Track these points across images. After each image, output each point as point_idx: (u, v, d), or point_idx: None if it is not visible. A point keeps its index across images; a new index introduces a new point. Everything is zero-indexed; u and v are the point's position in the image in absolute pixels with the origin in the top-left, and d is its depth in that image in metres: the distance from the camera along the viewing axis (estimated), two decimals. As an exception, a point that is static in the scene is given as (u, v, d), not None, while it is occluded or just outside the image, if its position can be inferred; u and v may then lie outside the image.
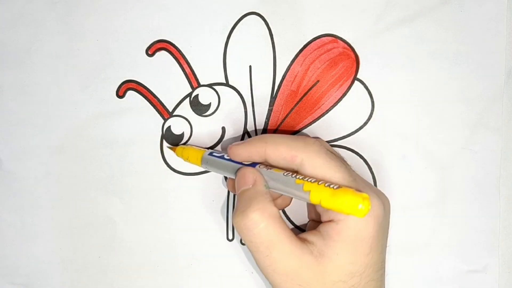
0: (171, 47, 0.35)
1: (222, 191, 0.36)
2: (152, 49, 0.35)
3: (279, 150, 0.28)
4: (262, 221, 0.26)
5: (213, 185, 0.35)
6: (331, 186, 0.25)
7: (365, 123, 0.35)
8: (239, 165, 0.30)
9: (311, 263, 0.26)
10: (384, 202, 0.28)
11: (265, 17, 0.35)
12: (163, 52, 0.35)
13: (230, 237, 0.36)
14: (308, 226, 0.34)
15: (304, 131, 0.35)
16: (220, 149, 0.35)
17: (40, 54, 0.35)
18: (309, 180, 0.26)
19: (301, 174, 0.27)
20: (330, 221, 0.27)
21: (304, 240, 0.27)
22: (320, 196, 0.25)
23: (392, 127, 0.35)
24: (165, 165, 0.35)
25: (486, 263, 0.35)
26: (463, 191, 0.35)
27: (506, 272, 0.35)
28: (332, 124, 0.35)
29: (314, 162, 0.27)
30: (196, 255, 0.36)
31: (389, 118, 0.35)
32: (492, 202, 0.34)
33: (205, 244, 0.36)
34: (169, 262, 0.36)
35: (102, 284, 0.36)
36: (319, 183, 0.25)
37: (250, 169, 0.29)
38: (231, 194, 0.35)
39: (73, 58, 0.35)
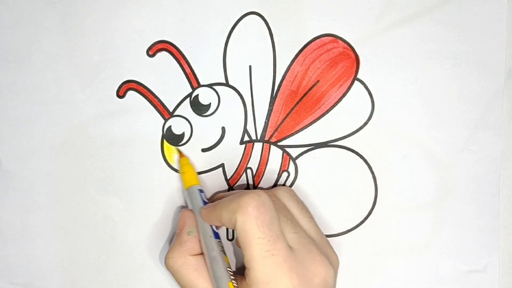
0: (172, 47, 0.35)
1: (222, 190, 0.35)
2: (153, 50, 0.35)
3: (221, 215, 0.29)
4: (175, 268, 0.30)
5: (213, 185, 0.35)
6: None
7: (365, 123, 0.35)
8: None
9: None
10: (332, 260, 0.29)
11: (265, 17, 0.35)
12: (164, 53, 0.35)
13: (230, 237, 0.36)
14: None
15: (304, 131, 0.35)
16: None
17: (40, 54, 0.35)
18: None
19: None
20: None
21: None
22: None
23: (392, 127, 0.35)
24: (165, 165, 0.35)
25: (486, 263, 0.35)
26: (463, 191, 0.35)
27: (506, 272, 0.35)
28: (332, 124, 0.35)
29: (239, 229, 0.28)
30: (196, 255, 0.36)
31: (389, 118, 0.35)
32: (492, 202, 0.34)
33: (205, 244, 0.36)
34: (169, 262, 0.36)
35: (102, 284, 0.36)
36: None
37: (185, 213, 0.32)
38: (231, 194, 0.36)
39: (73, 58, 0.35)
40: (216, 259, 0.29)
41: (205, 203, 0.32)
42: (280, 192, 0.32)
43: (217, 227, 0.31)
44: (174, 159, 0.35)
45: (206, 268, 0.30)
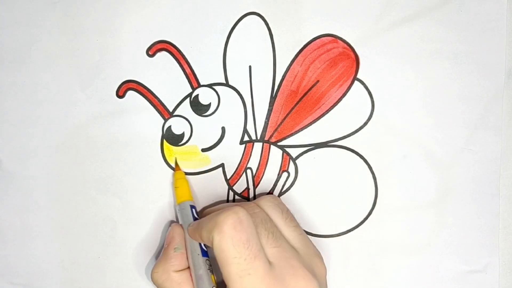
0: (172, 47, 0.35)
1: (222, 191, 0.36)
2: (152, 50, 0.35)
3: (201, 233, 0.29)
4: (158, 282, 0.31)
5: (213, 185, 0.35)
6: None
7: (365, 123, 0.35)
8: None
9: None
10: (318, 267, 0.29)
11: (265, 17, 0.35)
12: (164, 53, 0.35)
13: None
14: None
15: (304, 131, 0.35)
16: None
17: (40, 54, 0.35)
18: None
19: None
20: None
21: None
22: None
23: (392, 127, 0.35)
24: (165, 165, 0.35)
25: (486, 263, 0.35)
26: (463, 191, 0.35)
27: (506, 272, 0.35)
28: (332, 124, 0.35)
29: (215, 248, 0.27)
30: (196, 255, 0.36)
31: (389, 118, 0.35)
32: (492, 202, 0.34)
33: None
34: (169, 262, 0.36)
35: (102, 284, 0.36)
36: None
37: (171, 229, 0.32)
38: (231, 194, 0.36)
39: (73, 58, 0.35)
40: (202, 277, 0.29)
41: (195, 219, 0.32)
42: (263, 202, 0.31)
43: (205, 245, 0.31)
44: (173, 160, 0.35)
45: (190, 283, 0.30)
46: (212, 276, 0.30)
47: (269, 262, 0.27)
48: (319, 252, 0.31)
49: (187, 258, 0.31)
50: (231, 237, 0.27)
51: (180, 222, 0.33)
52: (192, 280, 0.30)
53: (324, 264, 0.30)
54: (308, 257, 0.29)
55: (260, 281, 0.26)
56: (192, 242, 0.31)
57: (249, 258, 0.27)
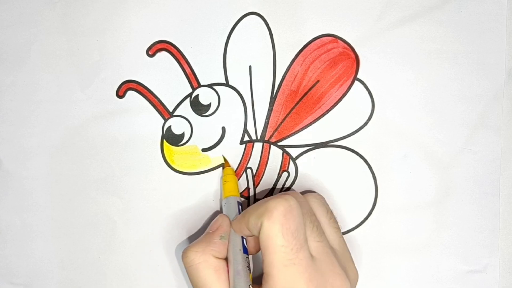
0: (172, 47, 0.35)
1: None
2: (152, 50, 0.35)
3: (249, 221, 0.29)
4: (195, 262, 0.29)
5: (213, 185, 0.35)
6: None
7: (365, 123, 0.35)
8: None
9: None
10: (350, 275, 0.29)
11: (265, 17, 0.35)
12: (163, 53, 0.35)
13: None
14: None
15: (304, 131, 0.35)
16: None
17: (40, 54, 0.35)
18: None
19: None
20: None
21: None
22: None
23: (392, 127, 0.35)
24: (165, 165, 0.35)
25: (486, 263, 0.35)
26: (463, 191, 0.35)
27: (506, 272, 0.35)
28: (332, 124, 0.35)
29: (262, 235, 0.27)
30: (196, 255, 0.36)
31: (389, 118, 0.35)
32: (492, 202, 0.34)
33: (205, 244, 0.36)
34: (169, 262, 0.36)
35: (102, 284, 0.36)
36: None
37: (221, 218, 0.32)
38: (231, 194, 0.36)
39: (73, 58, 0.35)
40: (240, 273, 0.29)
41: (239, 211, 0.32)
42: (310, 197, 0.31)
43: (247, 243, 0.31)
44: (174, 160, 0.35)
45: (225, 274, 0.29)
46: (250, 274, 0.30)
47: (311, 255, 0.27)
48: (352, 259, 0.31)
49: (227, 251, 0.31)
50: (281, 223, 0.27)
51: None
52: (228, 272, 0.30)
53: (357, 270, 0.31)
54: (344, 259, 0.30)
55: (303, 272, 0.26)
56: (235, 236, 0.31)
57: (295, 248, 0.27)
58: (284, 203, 0.27)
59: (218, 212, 0.35)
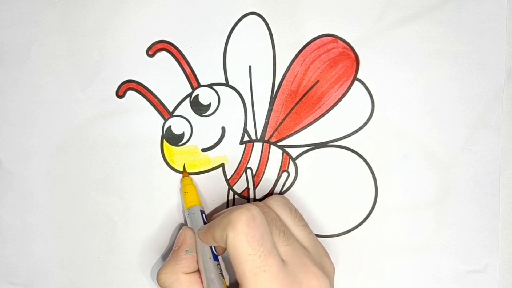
0: (172, 47, 0.35)
1: (222, 190, 0.36)
2: (152, 50, 0.35)
3: (214, 233, 0.29)
4: (165, 283, 0.30)
5: (213, 184, 0.35)
6: None
7: (365, 123, 0.35)
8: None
9: None
10: (327, 267, 0.29)
11: (265, 17, 0.35)
12: (163, 53, 0.35)
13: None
14: None
15: (304, 131, 0.35)
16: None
17: (40, 54, 0.35)
18: None
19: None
20: None
21: None
22: None
23: (392, 127, 0.35)
24: (165, 165, 0.35)
25: (486, 263, 0.35)
26: (463, 191, 0.35)
27: (506, 272, 0.35)
28: (332, 124, 0.35)
29: (230, 245, 0.27)
30: (196, 255, 0.36)
31: (389, 118, 0.35)
32: (492, 202, 0.34)
33: (205, 244, 0.36)
34: (169, 262, 0.36)
35: (102, 284, 0.36)
36: None
37: (183, 231, 0.32)
38: (231, 194, 0.36)
39: (73, 58, 0.35)
40: (214, 281, 0.29)
41: (205, 224, 0.32)
42: (272, 202, 0.31)
43: (216, 249, 0.31)
44: (174, 160, 0.35)
45: (199, 286, 0.30)
46: (223, 280, 0.30)
47: (282, 260, 0.27)
48: (327, 251, 0.31)
49: (197, 262, 0.31)
50: (245, 233, 0.27)
51: (190, 227, 0.33)
52: (201, 283, 0.30)
53: (332, 263, 0.31)
54: (317, 256, 0.30)
55: (274, 278, 0.26)
56: (203, 246, 0.31)
57: (263, 255, 0.27)
58: (246, 213, 0.27)
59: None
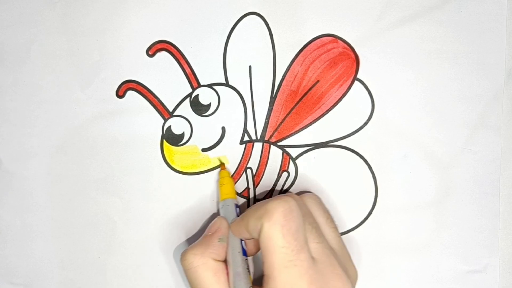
0: (171, 47, 0.35)
1: (222, 191, 0.36)
2: (152, 50, 0.35)
3: (248, 224, 0.28)
4: (194, 265, 0.29)
5: (213, 185, 0.35)
6: None
7: (365, 123, 0.35)
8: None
9: None
10: (350, 274, 0.29)
11: (265, 17, 0.35)
12: (163, 53, 0.35)
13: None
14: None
15: (304, 131, 0.35)
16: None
17: (40, 54, 0.35)
18: None
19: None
20: None
21: None
22: None
23: (392, 127, 0.35)
24: (165, 165, 0.35)
25: (486, 263, 0.35)
26: (463, 191, 0.35)
27: (506, 272, 0.35)
28: (332, 124, 0.35)
29: (263, 236, 0.27)
30: (196, 255, 0.36)
31: (389, 118, 0.35)
32: (492, 202, 0.34)
33: (205, 244, 0.36)
34: (169, 262, 0.36)
35: (102, 284, 0.36)
36: None
37: (219, 220, 0.32)
38: (231, 194, 0.36)
39: (73, 58, 0.35)
40: (240, 275, 0.29)
41: (237, 214, 0.32)
42: (307, 198, 0.31)
43: (246, 246, 0.31)
44: (174, 160, 0.35)
45: (224, 276, 0.29)
46: (250, 276, 0.30)
47: (312, 257, 0.27)
48: (351, 258, 0.31)
49: (226, 253, 0.30)
50: (281, 225, 0.26)
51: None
52: (227, 274, 0.30)
53: (356, 269, 0.30)
54: (344, 259, 0.30)
55: (304, 274, 0.26)
56: (234, 239, 0.31)
57: (296, 249, 0.26)
58: (284, 204, 0.27)
59: (217, 214, 0.35)
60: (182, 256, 0.30)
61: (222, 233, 0.31)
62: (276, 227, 0.26)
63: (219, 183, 0.34)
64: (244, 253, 0.30)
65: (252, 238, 0.30)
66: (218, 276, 0.29)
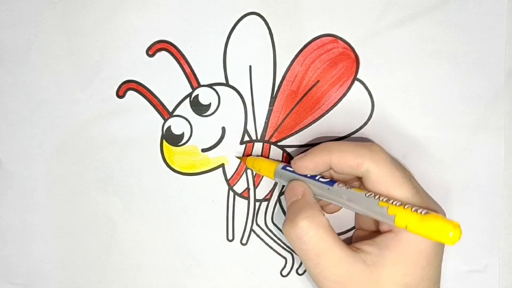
0: (171, 47, 0.35)
1: (222, 191, 0.36)
2: (152, 50, 0.35)
3: (344, 157, 0.28)
4: (311, 229, 0.27)
5: (213, 185, 0.35)
6: (418, 211, 0.25)
7: (365, 123, 0.35)
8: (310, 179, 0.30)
9: (363, 272, 0.26)
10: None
11: (265, 17, 0.35)
12: (163, 53, 0.35)
13: (230, 237, 0.36)
14: (355, 236, 0.34)
15: (304, 131, 0.35)
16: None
17: (40, 54, 0.35)
18: (394, 203, 0.26)
19: (366, 186, 0.28)
20: (388, 231, 0.27)
21: (357, 249, 0.27)
22: (406, 221, 0.24)
23: (392, 127, 0.35)
24: (165, 165, 0.35)
25: (486, 263, 0.35)
26: (463, 191, 0.35)
27: (506, 272, 0.35)
28: (332, 124, 0.35)
29: (379, 171, 0.27)
30: (196, 255, 0.36)
31: (389, 118, 0.35)
32: (492, 202, 0.34)
33: (205, 244, 0.36)
34: (169, 262, 0.36)
35: (102, 284, 0.36)
36: (405, 207, 0.25)
37: (299, 182, 0.30)
38: (231, 194, 0.35)
39: (73, 58, 0.35)
40: (351, 199, 0.27)
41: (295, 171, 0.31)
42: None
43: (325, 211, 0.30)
44: (174, 160, 0.35)
45: (335, 232, 0.28)
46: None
47: None
48: None
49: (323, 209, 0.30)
50: (387, 156, 0.28)
51: (286, 188, 0.31)
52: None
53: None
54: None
55: (426, 200, 0.27)
56: (316, 184, 0.29)
57: (412, 179, 0.28)
58: (378, 146, 0.29)
59: (218, 213, 0.35)
60: (292, 226, 0.27)
61: (311, 192, 0.29)
62: (387, 156, 0.28)
63: (256, 171, 0.34)
64: (331, 183, 0.29)
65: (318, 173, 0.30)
66: (334, 234, 0.27)
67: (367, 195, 0.27)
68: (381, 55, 0.34)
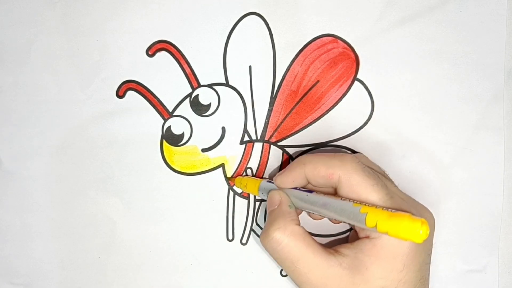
0: (171, 47, 0.35)
1: (222, 191, 0.36)
2: (152, 50, 0.35)
3: (317, 169, 0.29)
4: (283, 239, 0.28)
5: (213, 185, 0.35)
6: (389, 210, 0.25)
7: (365, 123, 0.35)
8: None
9: (339, 275, 0.27)
10: (427, 218, 0.29)
11: (265, 17, 0.35)
12: (163, 53, 0.35)
13: (230, 237, 0.36)
14: (350, 236, 0.34)
15: (304, 131, 0.35)
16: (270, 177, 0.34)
17: (40, 54, 0.35)
18: (367, 204, 0.26)
19: (340, 195, 0.28)
20: (365, 237, 0.28)
21: (334, 252, 0.28)
22: (376, 218, 0.25)
23: (392, 127, 0.35)
24: (165, 165, 0.35)
25: (486, 263, 0.35)
26: (463, 191, 0.35)
27: (506, 272, 0.35)
28: (332, 124, 0.35)
29: (350, 180, 0.28)
30: (196, 255, 0.36)
31: (389, 118, 0.35)
32: (492, 202, 0.34)
33: (205, 244, 0.36)
34: (169, 262, 0.36)
35: (102, 284, 0.36)
36: (377, 207, 0.26)
37: (277, 191, 0.31)
38: (231, 194, 0.36)
39: (73, 58, 0.35)
40: (326, 203, 0.28)
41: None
42: (361, 156, 0.32)
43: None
44: (174, 160, 0.35)
45: (310, 237, 0.29)
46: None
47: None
48: None
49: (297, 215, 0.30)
50: (366, 163, 0.29)
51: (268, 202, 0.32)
52: (309, 235, 0.29)
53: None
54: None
55: (400, 204, 0.28)
56: (293, 193, 0.30)
57: (385, 184, 0.28)
58: (351, 155, 0.30)
59: (218, 213, 0.35)
60: (266, 238, 0.29)
61: (287, 201, 0.30)
62: (357, 165, 0.28)
63: (243, 188, 0.34)
64: (309, 192, 0.30)
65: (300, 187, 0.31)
66: (308, 239, 0.28)
67: (342, 199, 0.28)
68: (381, 55, 0.34)
